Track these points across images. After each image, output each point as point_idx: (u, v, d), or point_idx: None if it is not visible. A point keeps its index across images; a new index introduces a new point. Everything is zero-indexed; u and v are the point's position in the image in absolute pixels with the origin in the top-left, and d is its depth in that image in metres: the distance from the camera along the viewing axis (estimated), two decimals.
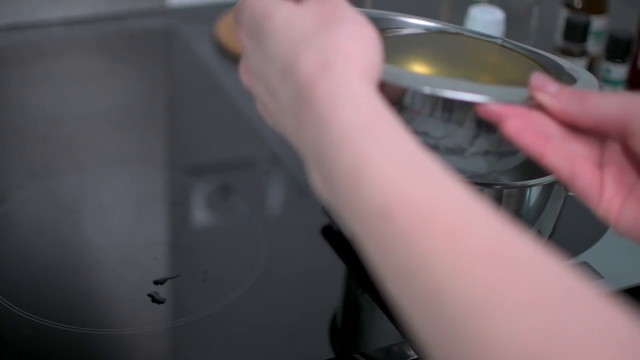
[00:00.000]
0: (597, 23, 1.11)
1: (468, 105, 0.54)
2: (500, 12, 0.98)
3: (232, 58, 1.16)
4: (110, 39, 1.20)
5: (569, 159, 0.53)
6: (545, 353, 0.37)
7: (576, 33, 1.04)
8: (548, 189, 0.73)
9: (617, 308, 0.38)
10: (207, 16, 1.25)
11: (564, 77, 0.62)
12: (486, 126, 0.56)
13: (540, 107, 0.53)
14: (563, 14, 1.10)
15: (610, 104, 0.52)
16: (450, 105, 0.55)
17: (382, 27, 0.64)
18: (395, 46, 0.63)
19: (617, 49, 1.04)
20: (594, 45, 1.11)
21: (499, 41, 0.66)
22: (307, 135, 0.49)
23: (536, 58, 0.65)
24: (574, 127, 0.53)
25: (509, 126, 0.52)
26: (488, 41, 0.66)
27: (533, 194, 0.72)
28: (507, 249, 0.40)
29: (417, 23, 0.68)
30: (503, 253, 0.40)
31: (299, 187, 0.93)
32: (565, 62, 0.64)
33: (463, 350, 0.39)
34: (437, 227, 0.41)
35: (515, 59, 0.65)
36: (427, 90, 0.54)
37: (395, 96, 0.55)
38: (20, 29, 1.19)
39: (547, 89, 0.53)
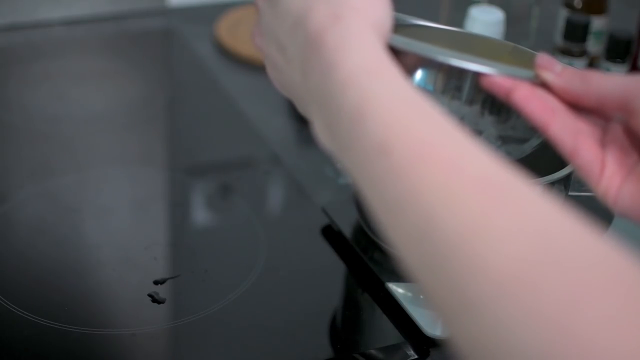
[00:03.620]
0: (597, 23, 1.11)
1: (475, 80, 0.54)
2: (500, 12, 0.98)
3: (232, 58, 1.17)
4: (110, 39, 1.20)
5: (572, 132, 0.53)
6: (535, 276, 0.38)
7: (576, 33, 1.04)
8: (548, 189, 0.73)
9: (607, 240, 0.39)
10: (207, 16, 1.25)
11: None
12: (491, 107, 0.56)
13: (544, 86, 0.54)
14: (563, 14, 1.10)
15: (613, 83, 0.52)
16: (457, 80, 0.56)
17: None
18: (409, 33, 0.63)
19: (617, 49, 1.04)
20: (594, 45, 1.11)
21: (511, 45, 0.67)
22: (313, 81, 0.50)
23: None
24: (577, 107, 0.54)
25: (517, 95, 0.53)
26: (499, 43, 0.67)
27: None
28: (501, 182, 0.42)
29: (427, 24, 0.68)
30: (496, 185, 0.42)
31: (299, 187, 0.93)
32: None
33: (454, 277, 0.40)
34: (433, 161, 0.43)
35: (526, 55, 0.65)
36: (435, 57, 0.55)
37: (404, 67, 0.55)
38: (20, 29, 1.19)
39: (552, 68, 0.54)
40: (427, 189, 0.42)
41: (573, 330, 0.36)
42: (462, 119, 0.57)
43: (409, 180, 0.43)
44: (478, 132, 0.57)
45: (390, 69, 0.48)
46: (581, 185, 0.77)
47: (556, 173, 0.74)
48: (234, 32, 1.20)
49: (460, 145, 0.44)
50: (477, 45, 0.66)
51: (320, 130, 0.51)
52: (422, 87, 0.56)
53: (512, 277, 0.38)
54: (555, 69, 0.54)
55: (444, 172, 0.42)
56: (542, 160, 0.76)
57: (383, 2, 0.53)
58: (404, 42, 0.55)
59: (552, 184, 0.73)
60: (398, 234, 0.44)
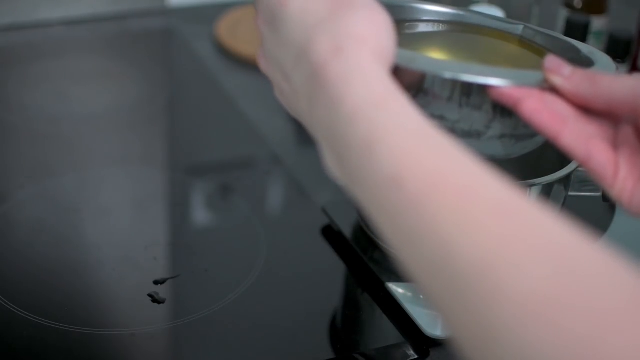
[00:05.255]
0: (597, 23, 1.11)
1: (483, 89, 0.54)
2: (500, 12, 0.98)
3: (232, 58, 1.17)
4: (110, 39, 1.20)
5: (584, 139, 0.53)
6: (553, 299, 0.37)
7: (576, 33, 1.04)
8: (548, 189, 0.73)
9: (618, 259, 0.39)
10: (207, 16, 1.25)
11: (582, 60, 0.61)
12: (502, 109, 0.56)
13: (553, 90, 0.53)
14: (563, 14, 1.10)
15: (623, 86, 0.52)
16: (465, 89, 0.55)
17: (398, 18, 0.64)
18: (412, 41, 0.63)
19: (617, 49, 1.04)
20: (594, 45, 1.11)
21: (520, 27, 0.66)
22: (320, 115, 0.50)
23: (554, 42, 0.65)
24: (587, 110, 0.53)
25: (525, 107, 0.53)
26: (506, 34, 0.67)
27: (533, 194, 0.73)
28: (514, 209, 0.42)
29: (434, 10, 0.67)
30: (510, 213, 0.42)
31: (299, 187, 0.93)
32: (583, 46, 0.64)
33: (477, 304, 0.40)
34: (447, 192, 0.43)
35: (533, 52, 0.65)
36: (441, 73, 0.54)
37: (411, 81, 0.55)
38: (20, 29, 1.19)
39: (560, 72, 0.53)
40: (442, 218, 0.42)
41: (603, 353, 0.36)
42: (473, 123, 0.57)
43: (424, 210, 0.43)
44: (491, 135, 0.57)
45: (396, 98, 0.48)
46: (581, 185, 0.77)
47: (556, 173, 0.74)
48: (234, 32, 1.20)
49: (472, 172, 0.44)
50: (483, 42, 0.66)
51: (330, 161, 0.50)
52: (431, 96, 0.56)
53: (538, 301, 0.38)
54: (564, 73, 0.53)
55: (458, 201, 0.42)
56: (542, 160, 0.76)
57: (386, 29, 0.52)
58: (409, 58, 0.55)
59: (552, 184, 0.73)
60: (416, 264, 0.44)
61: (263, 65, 0.58)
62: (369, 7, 0.52)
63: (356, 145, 0.47)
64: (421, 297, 0.74)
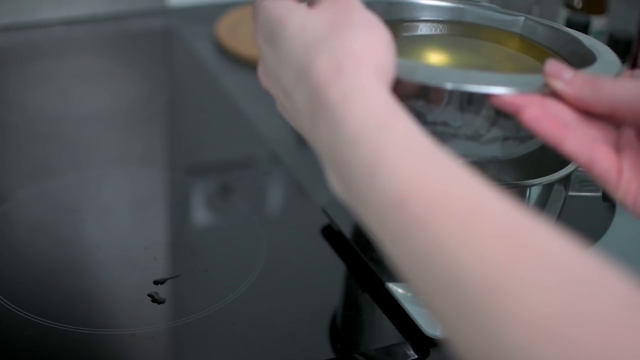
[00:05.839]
0: (597, 23, 1.11)
1: (484, 96, 0.54)
2: None
3: (232, 58, 1.17)
4: (110, 39, 1.20)
5: (586, 144, 0.53)
6: (561, 314, 0.38)
7: None
8: (548, 189, 0.73)
9: (630, 281, 0.39)
10: (207, 16, 1.25)
11: (584, 53, 0.61)
12: (504, 113, 0.56)
13: (555, 94, 0.53)
14: (563, 14, 1.10)
15: (625, 89, 0.52)
16: (466, 96, 0.55)
17: (397, 18, 0.64)
18: (411, 44, 0.63)
19: (617, 49, 1.04)
20: None
21: (522, 19, 0.66)
22: (322, 136, 0.50)
23: (556, 34, 0.65)
24: (589, 114, 0.53)
25: (527, 115, 0.52)
26: (506, 32, 0.66)
27: (533, 194, 0.72)
28: (520, 230, 0.42)
29: (432, 4, 0.67)
30: (517, 234, 0.41)
31: (299, 187, 0.93)
32: (585, 38, 0.63)
33: (481, 328, 0.40)
34: (452, 212, 0.42)
35: (533, 51, 0.64)
36: (442, 84, 0.54)
37: (412, 90, 0.55)
38: (20, 29, 1.19)
39: (561, 76, 0.53)
40: (449, 237, 0.42)
41: None
42: (475, 128, 0.57)
43: (430, 230, 0.43)
44: (492, 137, 0.57)
45: (398, 117, 0.48)
46: (581, 185, 0.77)
47: (556, 173, 0.74)
48: (234, 32, 1.20)
49: (477, 192, 0.44)
50: (483, 44, 0.66)
51: (332, 179, 0.50)
52: (432, 103, 0.56)
53: (546, 317, 0.38)
54: (565, 77, 0.53)
55: (464, 221, 0.42)
56: (542, 160, 0.76)
57: (385, 46, 0.52)
58: (409, 69, 0.55)
59: (552, 184, 0.73)
60: (421, 282, 0.44)
61: (264, 81, 0.58)
62: (368, 24, 0.52)
63: (358, 167, 0.46)
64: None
